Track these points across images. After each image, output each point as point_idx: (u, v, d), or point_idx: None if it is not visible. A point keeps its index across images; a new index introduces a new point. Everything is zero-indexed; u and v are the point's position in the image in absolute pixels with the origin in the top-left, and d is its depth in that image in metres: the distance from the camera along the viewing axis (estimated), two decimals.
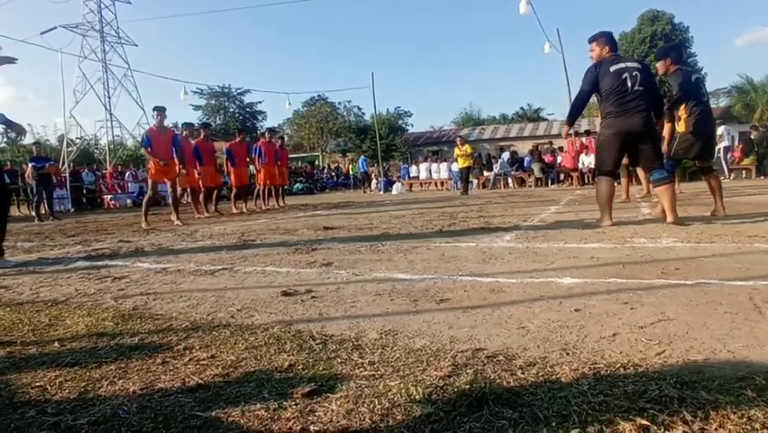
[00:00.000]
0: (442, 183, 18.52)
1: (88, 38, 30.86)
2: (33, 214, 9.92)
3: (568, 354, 1.25)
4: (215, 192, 8.75)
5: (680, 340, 1.30)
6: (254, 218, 7.07)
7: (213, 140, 9.29)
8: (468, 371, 1.16)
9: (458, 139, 13.38)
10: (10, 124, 3.60)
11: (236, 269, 2.79)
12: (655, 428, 0.86)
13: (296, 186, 19.65)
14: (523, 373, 1.13)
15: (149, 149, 6.40)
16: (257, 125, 35.63)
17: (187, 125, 8.30)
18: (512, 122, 34.21)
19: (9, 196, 3.96)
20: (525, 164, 16.22)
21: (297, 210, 8.60)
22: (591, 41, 3.88)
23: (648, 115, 3.62)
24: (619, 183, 6.29)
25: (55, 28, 27.50)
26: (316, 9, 76.22)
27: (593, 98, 4.12)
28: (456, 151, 12.89)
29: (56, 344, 1.55)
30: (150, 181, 6.65)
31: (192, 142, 7.97)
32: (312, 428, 0.94)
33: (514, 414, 0.94)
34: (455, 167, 14.54)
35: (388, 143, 29.18)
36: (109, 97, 31.78)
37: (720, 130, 11.72)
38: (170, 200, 6.98)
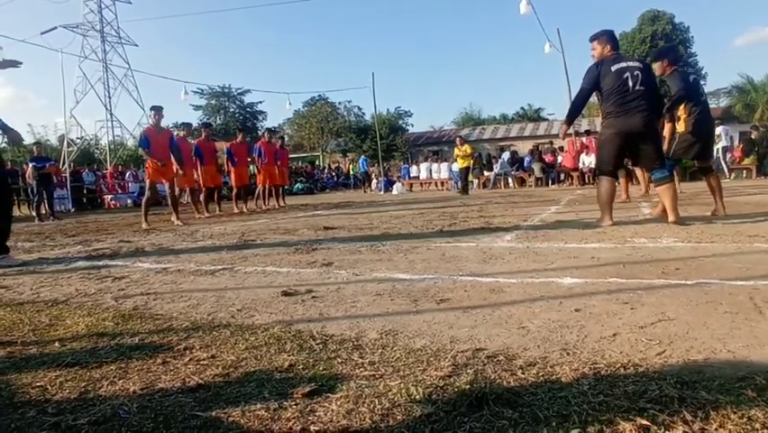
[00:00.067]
0: (442, 183, 18.52)
1: (89, 38, 30.96)
2: (34, 214, 9.93)
3: (568, 354, 1.25)
4: (216, 192, 8.75)
5: (680, 340, 1.30)
6: (254, 218, 7.07)
7: (214, 140, 9.29)
8: (468, 371, 1.16)
9: (458, 139, 13.37)
10: (6, 130, 3.57)
11: (237, 269, 2.79)
12: (655, 428, 0.86)
13: (296, 186, 19.65)
14: (523, 373, 1.13)
15: (147, 149, 6.39)
16: (257, 125, 35.65)
17: (185, 125, 8.29)
18: (512, 122, 34.22)
19: (11, 195, 3.96)
20: (526, 164, 16.22)
21: (298, 210, 8.60)
22: (593, 39, 3.88)
23: (649, 115, 3.61)
24: (618, 183, 6.29)
25: (55, 28, 27.59)
26: (316, 9, 76.34)
27: (593, 98, 4.12)
28: (456, 151, 12.89)
29: (56, 344, 1.55)
30: (147, 182, 6.64)
31: (192, 142, 7.97)
32: (312, 428, 0.94)
33: (514, 414, 0.94)
34: (455, 167, 14.54)
35: (389, 143, 29.20)
36: (109, 97, 31.87)
37: (718, 130, 11.72)
38: (169, 201, 6.98)
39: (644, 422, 0.87)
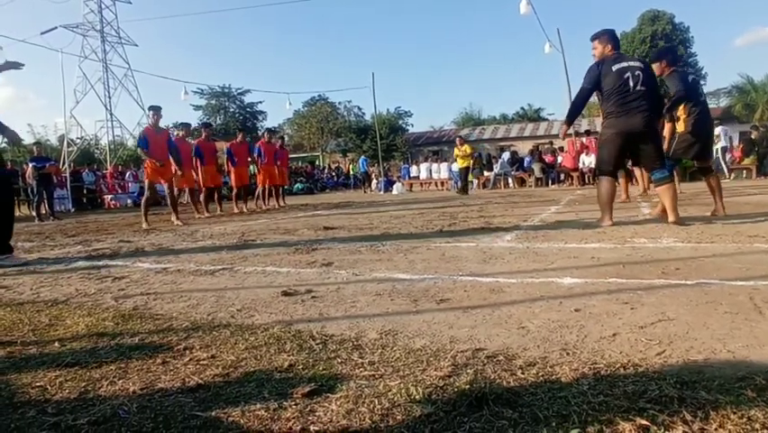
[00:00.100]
0: (442, 183, 18.53)
1: (89, 38, 30.96)
2: (34, 214, 9.93)
3: (568, 354, 1.25)
4: (217, 192, 8.75)
5: (680, 340, 1.30)
6: (254, 218, 7.07)
7: (214, 140, 9.29)
8: (468, 371, 1.16)
9: (457, 139, 13.38)
10: (3, 130, 3.57)
11: (236, 269, 2.79)
12: (655, 428, 0.86)
13: (296, 186, 19.65)
14: (523, 373, 1.13)
15: (145, 149, 6.37)
16: (257, 125, 35.66)
17: (183, 125, 8.28)
18: (512, 122, 34.23)
19: (13, 195, 3.95)
20: (526, 164, 16.22)
21: (298, 210, 8.60)
22: (594, 39, 3.88)
23: (650, 115, 3.61)
24: (618, 183, 6.29)
25: (55, 28, 27.61)
26: (316, 9, 76.34)
27: (594, 98, 4.12)
28: (456, 151, 12.90)
29: (56, 344, 1.55)
30: (146, 182, 6.63)
31: (192, 142, 7.96)
32: (312, 428, 0.94)
33: (514, 414, 0.94)
34: (455, 167, 14.55)
35: (389, 143, 29.20)
36: (109, 97, 31.87)
37: (717, 130, 11.72)
38: (168, 201, 6.97)
39: (644, 422, 0.87)
